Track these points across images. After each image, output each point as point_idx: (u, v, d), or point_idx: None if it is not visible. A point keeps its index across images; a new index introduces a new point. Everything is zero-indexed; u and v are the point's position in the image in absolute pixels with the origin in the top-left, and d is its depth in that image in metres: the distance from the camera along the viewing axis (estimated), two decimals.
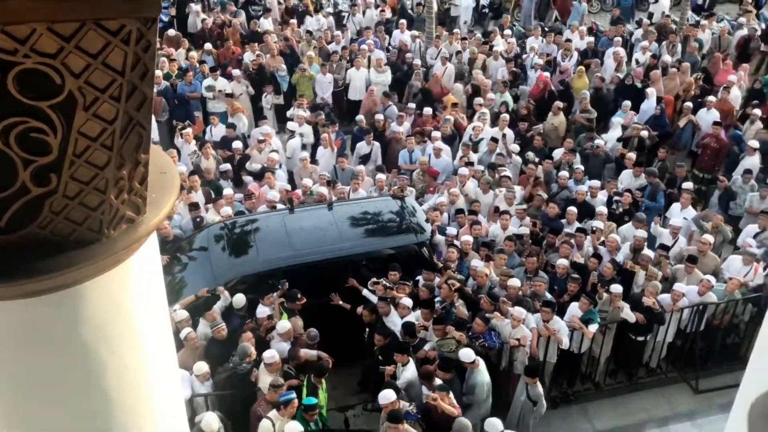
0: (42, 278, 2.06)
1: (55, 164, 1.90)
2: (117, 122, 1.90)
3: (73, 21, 1.67)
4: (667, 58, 15.95)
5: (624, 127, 13.50)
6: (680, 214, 11.14)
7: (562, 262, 9.65)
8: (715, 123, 13.15)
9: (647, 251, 9.91)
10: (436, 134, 12.59)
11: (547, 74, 15.07)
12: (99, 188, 2.01)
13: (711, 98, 13.83)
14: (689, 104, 13.73)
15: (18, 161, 1.86)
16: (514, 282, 9.16)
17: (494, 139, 12.51)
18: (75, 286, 2.18)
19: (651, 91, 14.13)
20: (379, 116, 13.32)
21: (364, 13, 19.03)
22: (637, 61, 15.96)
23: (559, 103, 13.83)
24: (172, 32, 16.98)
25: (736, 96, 14.36)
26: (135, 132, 1.99)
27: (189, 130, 13.12)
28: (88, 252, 2.13)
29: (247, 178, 11.77)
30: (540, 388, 8.20)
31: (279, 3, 19.68)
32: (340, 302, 9.12)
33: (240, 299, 8.69)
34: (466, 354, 8.02)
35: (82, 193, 2.00)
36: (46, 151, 1.86)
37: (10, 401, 2.33)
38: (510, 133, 13.01)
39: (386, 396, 7.40)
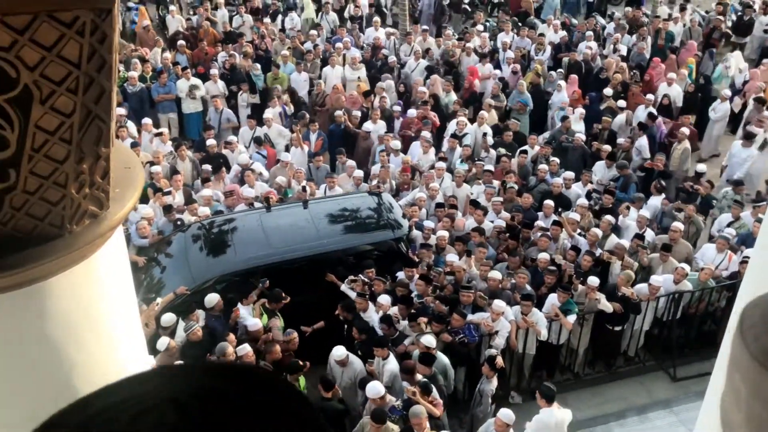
0: (5, 275, 2.04)
1: (13, 159, 1.88)
2: (75, 115, 1.88)
3: (25, 13, 1.66)
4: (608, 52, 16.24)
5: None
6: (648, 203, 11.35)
7: (543, 256, 9.73)
8: (684, 112, 13.40)
9: (623, 241, 10.02)
10: (426, 134, 12.68)
11: (497, 71, 15.27)
12: (59, 183, 2.00)
13: (650, 96, 14.05)
14: (622, 102, 14.01)
15: None
16: (495, 274, 9.24)
17: (455, 136, 12.79)
18: (39, 282, 2.16)
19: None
20: (356, 113, 13.37)
21: (337, 11, 19.04)
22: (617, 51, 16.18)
23: (491, 101, 13.95)
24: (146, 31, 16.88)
25: (678, 92, 14.56)
26: (94, 125, 1.97)
27: (165, 130, 13.14)
28: (52, 248, 2.11)
29: (228, 178, 11.77)
30: (492, 386, 8.12)
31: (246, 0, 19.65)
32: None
33: (212, 298, 8.61)
34: (428, 340, 8.07)
35: (42, 188, 1.98)
36: (4, 145, 1.84)
37: None
38: (489, 130, 13.13)
39: (375, 388, 7.41)
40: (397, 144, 12.45)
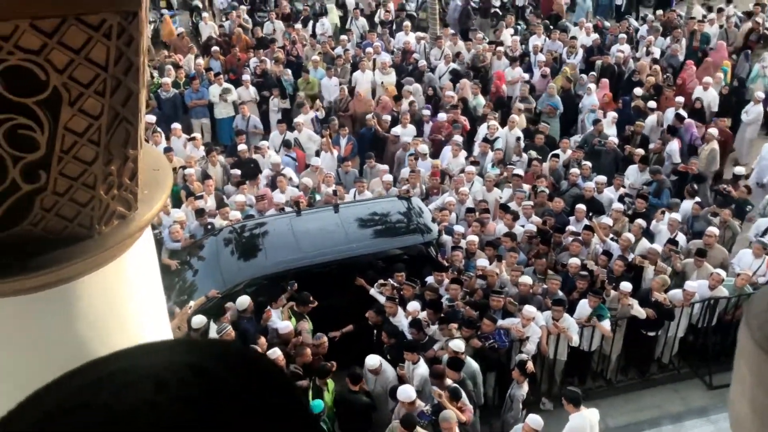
0: (35, 275, 2.07)
1: (43, 160, 1.91)
2: (103, 117, 1.91)
3: (54, 17, 1.69)
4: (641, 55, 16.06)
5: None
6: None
7: (574, 261, 9.62)
8: (719, 115, 13.13)
9: (656, 246, 9.86)
10: (457, 138, 12.66)
11: (525, 75, 15.14)
12: (88, 184, 2.02)
13: (680, 99, 13.76)
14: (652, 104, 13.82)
15: (7, 158, 1.88)
16: (526, 279, 9.16)
17: (486, 140, 12.69)
18: (68, 282, 2.19)
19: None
20: (387, 117, 13.42)
21: (368, 16, 19.13)
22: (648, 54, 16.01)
23: (520, 105, 13.82)
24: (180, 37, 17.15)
25: (713, 97, 14.25)
26: (122, 127, 2.00)
27: (198, 135, 13.34)
28: (81, 248, 2.14)
29: (261, 182, 11.89)
30: (523, 391, 8.09)
31: (276, 6, 19.85)
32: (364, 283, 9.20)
33: (244, 301, 8.69)
34: (457, 345, 8.03)
35: (71, 189, 2.01)
36: (34, 147, 1.88)
37: (6, 400, 2.34)
38: (521, 134, 13.05)
39: (406, 392, 7.39)
40: (424, 148, 12.43)
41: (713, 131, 12.64)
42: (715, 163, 12.69)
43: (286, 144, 12.87)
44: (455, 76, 15.12)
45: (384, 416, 8.16)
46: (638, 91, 14.09)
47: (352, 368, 8.15)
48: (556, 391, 9.43)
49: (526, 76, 15.17)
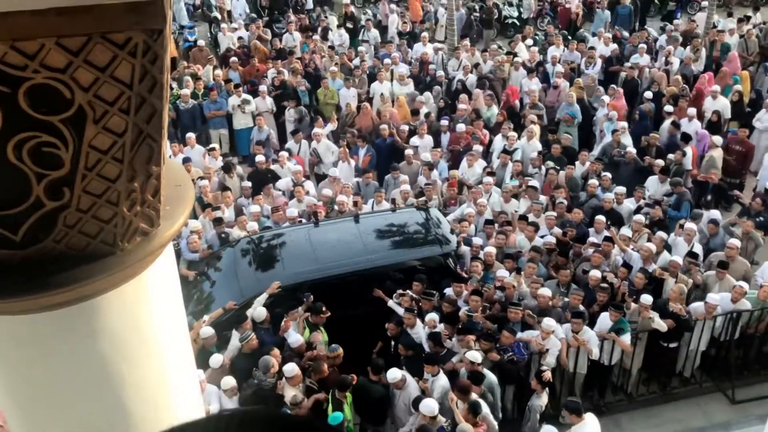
0: (58, 291, 2.07)
1: (67, 178, 1.91)
2: (127, 135, 1.91)
3: (80, 35, 1.69)
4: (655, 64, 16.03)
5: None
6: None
7: (595, 274, 9.52)
8: (741, 126, 12.99)
9: (676, 258, 9.74)
10: (478, 148, 12.62)
11: (535, 87, 14.99)
12: (111, 201, 2.02)
13: (692, 110, 13.60)
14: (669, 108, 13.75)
15: (31, 175, 1.88)
16: (545, 291, 9.08)
17: (506, 152, 12.55)
18: (91, 299, 2.19)
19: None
20: (404, 128, 13.42)
21: (385, 28, 19.21)
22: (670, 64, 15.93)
23: (533, 117, 13.72)
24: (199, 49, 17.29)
25: (724, 105, 14.11)
26: (145, 144, 2.00)
27: (216, 145, 13.42)
28: (103, 265, 2.14)
29: (276, 192, 11.88)
30: (541, 401, 8.03)
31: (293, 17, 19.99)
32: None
33: (261, 312, 8.68)
34: (473, 355, 7.97)
35: (94, 206, 2.01)
36: (59, 164, 1.87)
37: (28, 415, 2.35)
38: (538, 145, 12.97)
39: (429, 407, 7.33)
40: (426, 156, 12.40)
41: (716, 139, 12.60)
42: (716, 171, 12.56)
43: (288, 152, 12.92)
44: (464, 88, 15.10)
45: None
46: (648, 94, 14.03)
47: (374, 360, 8.18)
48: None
49: (536, 89, 15.01)
